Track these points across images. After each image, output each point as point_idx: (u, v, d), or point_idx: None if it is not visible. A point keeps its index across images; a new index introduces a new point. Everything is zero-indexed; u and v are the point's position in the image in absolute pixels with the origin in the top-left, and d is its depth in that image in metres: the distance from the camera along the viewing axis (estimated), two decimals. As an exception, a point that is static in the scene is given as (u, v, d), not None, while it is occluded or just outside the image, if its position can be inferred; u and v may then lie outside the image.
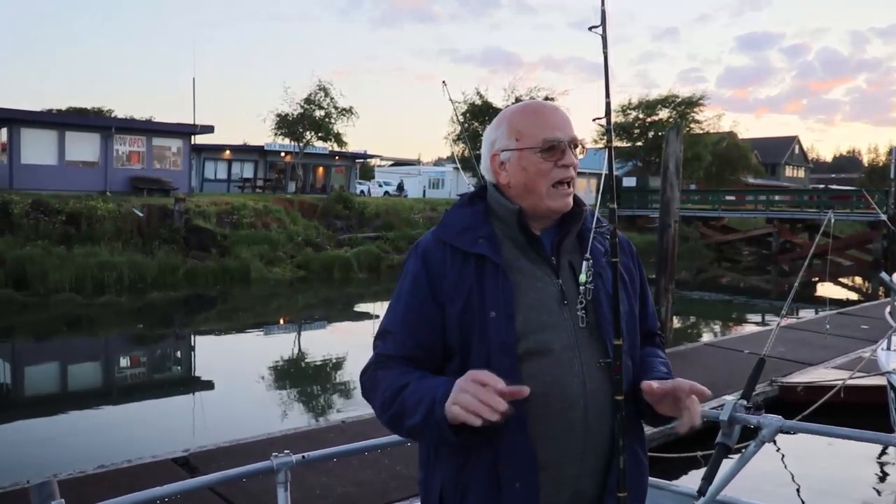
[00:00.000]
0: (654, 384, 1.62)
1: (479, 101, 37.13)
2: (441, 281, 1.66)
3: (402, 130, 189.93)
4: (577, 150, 1.72)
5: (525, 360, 1.60)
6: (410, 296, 1.70)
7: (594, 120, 1.65)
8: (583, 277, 1.65)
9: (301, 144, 35.17)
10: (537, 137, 1.69)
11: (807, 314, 16.47)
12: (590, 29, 1.63)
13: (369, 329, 14.80)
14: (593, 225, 1.74)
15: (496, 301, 1.62)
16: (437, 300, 1.66)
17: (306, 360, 13.48)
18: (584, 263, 1.66)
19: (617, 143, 43.92)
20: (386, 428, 1.73)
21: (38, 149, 26.66)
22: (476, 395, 1.41)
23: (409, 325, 1.68)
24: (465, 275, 1.65)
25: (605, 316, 1.67)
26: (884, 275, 7.37)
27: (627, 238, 1.87)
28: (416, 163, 66.13)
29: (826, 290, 25.38)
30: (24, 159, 26.29)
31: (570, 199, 1.72)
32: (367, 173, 58.05)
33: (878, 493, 6.56)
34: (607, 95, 1.65)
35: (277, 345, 14.97)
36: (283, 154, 39.39)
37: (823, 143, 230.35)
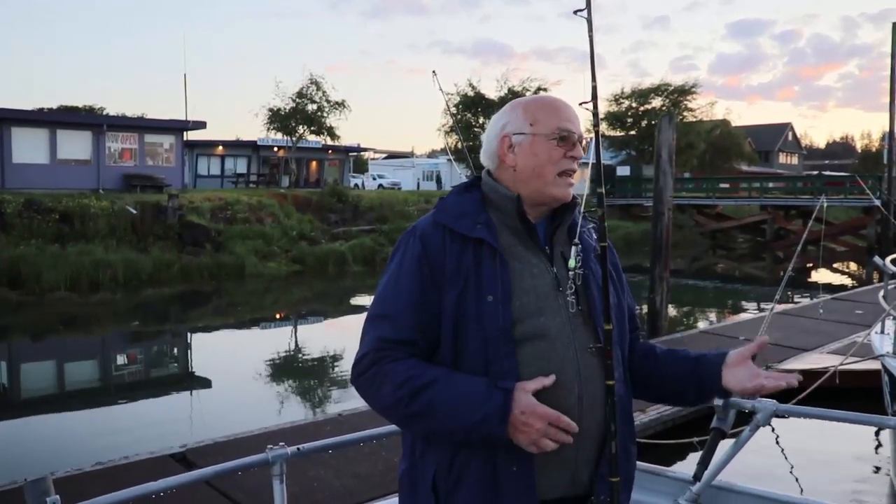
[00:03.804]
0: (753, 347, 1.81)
1: (471, 93, 37.11)
2: (441, 266, 1.66)
3: (395, 123, 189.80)
4: (582, 145, 1.79)
5: (522, 344, 1.62)
6: (410, 278, 1.68)
7: (581, 104, 1.66)
8: (572, 262, 1.67)
9: (294, 139, 35.10)
10: (553, 125, 1.73)
11: (801, 300, 16.53)
12: (575, 13, 1.65)
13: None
14: (581, 210, 1.77)
15: (493, 285, 1.63)
16: (436, 284, 1.66)
17: (302, 355, 13.49)
18: (573, 248, 1.68)
19: (610, 132, 44.00)
20: (391, 422, 1.72)
21: (29, 147, 26.55)
22: (551, 437, 1.55)
23: (410, 307, 1.66)
24: (464, 259, 1.66)
25: (595, 303, 1.70)
26: (877, 259, 7.38)
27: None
28: (410, 155, 66.04)
29: (820, 275, 25.46)
30: (16, 158, 26.18)
31: (571, 191, 1.76)
32: (361, 166, 57.98)
33: (873, 475, 6.60)
34: (593, 79, 1.66)
35: (273, 339, 14.97)
36: (276, 149, 39.31)
37: (816, 130, 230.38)
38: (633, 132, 44.93)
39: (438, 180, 48.71)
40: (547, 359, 1.62)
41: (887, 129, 34.07)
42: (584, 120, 1.75)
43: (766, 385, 1.73)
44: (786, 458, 6.73)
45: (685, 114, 43.29)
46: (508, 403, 1.54)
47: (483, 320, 1.62)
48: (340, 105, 34.89)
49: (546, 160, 1.72)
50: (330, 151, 41.72)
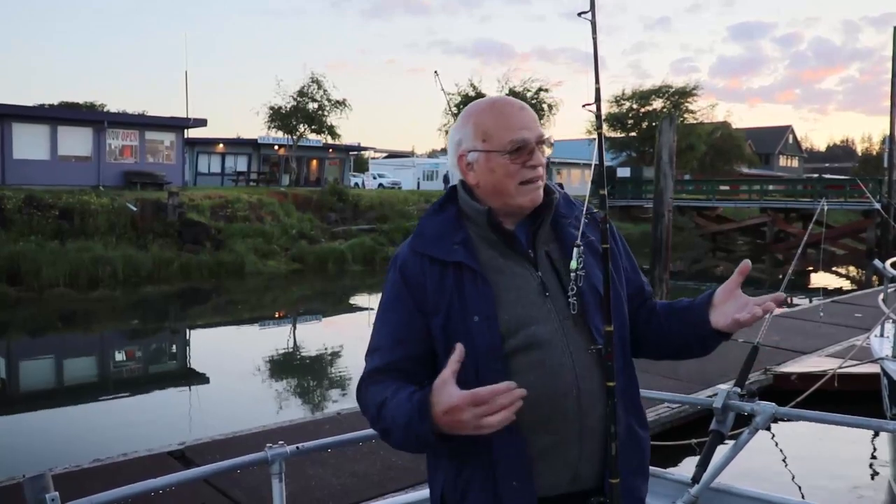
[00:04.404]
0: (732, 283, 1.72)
1: (472, 93, 37.16)
2: (422, 293, 1.67)
3: (396, 122, 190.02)
4: (545, 146, 1.72)
5: (515, 356, 1.62)
6: (395, 310, 1.71)
7: (584, 106, 1.64)
8: (574, 264, 1.64)
9: (294, 137, 35.08)
10: (505, 139, 1.67)
11: (801, 303, 16.52)
12: (579, 15, 1.62)
13: (364, 321, 14.81)
14: (583, 213, 1.73)
15: (478, 306, 1.63)
16: (421, 311, 1.67)
17: (301, 353, 13.49)
18: (576, 250, 1.65)
19: (611, 133, 44.04)
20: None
21: (30, 144, 26.53)
22: (487, 413, 1.41)
23: (396, 338, 1.69)
24: (445, 284, 1.66)
25: (590, 303, 1.68)
26: (877, 262, 7.38)
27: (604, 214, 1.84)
28: (410, 155, 66.01)
29: (820, 278, 25.45)
30: (17, 154, 26.16)
31: (540, 193, 1.72)
32: (362, 166, 57.95)
33: (871, 478, 6.61)
34: (597, 81, 1.64)
35: (272, 338, 14.96)
36: (276, 147, 39.29)
37: (817, 133, 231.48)
38: (633, 134, 44.99)
39: (446, 180, 48.53)
40: (541, 365, 1.62)
41: (888, 132, 34.11)
42: (585, 121, 1.73)
43: (741, 320, 1.66)
44: (784, 460, 6.74)
45: (686, 116, 43.35)
46: (424, 404, 1.50)
47: (472, 340, 1.61)
48: (341, 104, 34.89)
49: (504, 175, 1.68)
50: (330, 150, 41.71)
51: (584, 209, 1.74)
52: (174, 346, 14.57)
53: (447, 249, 1.68)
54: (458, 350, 1.49)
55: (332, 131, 35.15)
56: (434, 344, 1.67)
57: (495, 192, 1.71)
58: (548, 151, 1.75)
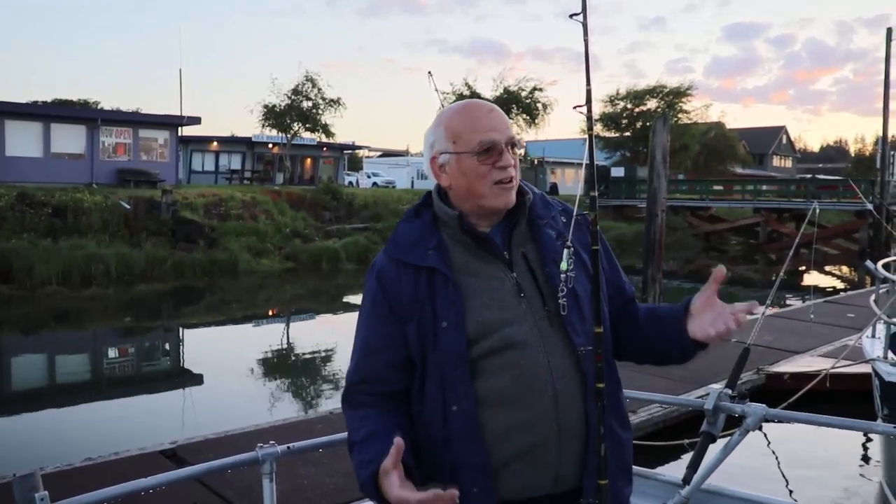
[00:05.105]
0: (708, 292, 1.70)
1: (467, 92, 37.14)
2: (398, 300, 1.69)
3: (391, 121, 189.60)
4: (516, 148, 1.73)
5: (489, 357, 1.63)
6: (372, 317, 1.74)
7: (575, 108, 1.64)
8: (564, 265, 1.65)
9: (289, 136, 35.02)
10: (473, 141, 1.69)
11: (793, 303, 16.58)
12: (570, 17, 1.63)
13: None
14: (573, 216, 1.74)
15: (447, 312, 1.64)
16: (397, 318, 1.69)
17: (294, 352, 13.47)
18: (566, 251, 1.66)
19: (605, 133, 44.11)
20: None
21: (23, 141, 26.44)
22: None
23: (374, 346, 1.72)
24: (419, 289, 1.68)
25: (568, 305, 1.68)
26: (869, 263, 7.40)
27: (585, 216, 1.82)
28: (405, 154, 65.97)
29: (812, 278, 25.52)
30: (9, 151, 26.08)
31: (513, 195, 1.73)
32: (356, 164, 57.90)
33: (863, 479, 6.62)
34: (588, 83, 1.64)
35: (266, 337, 14.93)
36: (270, 145, 39.21)
37: (811, 134, 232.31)
38: (627, 133, 45.02)
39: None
40: (515, 366, 1.63)
41: (880, 133, 34.22)
42: (580, 121, 1.73)
43: (712, 334, 1.65)
44: (777, 461, 6.74)
45: (680, 116, 43.42)
46: (373, 482, 1.58)
47: (440, 346, 1.64)
48: (335, 102, 34.82)
49: (475, 177, 1.69)
50: (325, 149, 41.64)
51: (575, 210, 1.75)
52: (167, 345, 14.53)
53: (421, 255, 1.70)
54: (397, 444, 1.52)
55: (326, 130, 35.10)
56: (410, 350, 1.68)
57: (468, 195, 1.71)
58: (520, 152, 1.75)
